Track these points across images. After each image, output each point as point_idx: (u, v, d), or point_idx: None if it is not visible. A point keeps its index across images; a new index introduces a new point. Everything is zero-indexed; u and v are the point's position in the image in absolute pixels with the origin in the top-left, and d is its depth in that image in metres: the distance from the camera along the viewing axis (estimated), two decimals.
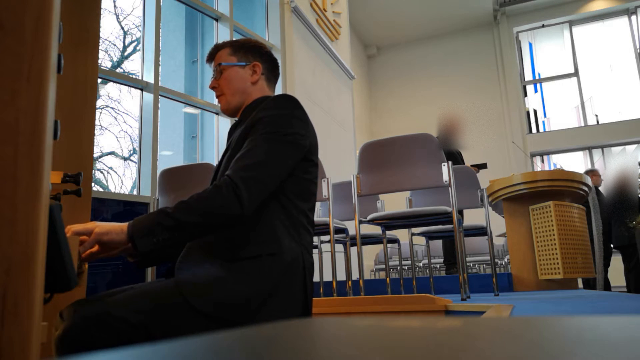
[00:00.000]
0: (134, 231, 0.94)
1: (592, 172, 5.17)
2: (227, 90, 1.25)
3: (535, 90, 10.37)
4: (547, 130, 10.01)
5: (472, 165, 4.06)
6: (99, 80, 3.01)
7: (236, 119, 1.28)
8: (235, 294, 0.96)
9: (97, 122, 2.27)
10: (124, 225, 0.96)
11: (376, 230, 3.39)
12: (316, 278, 3.84)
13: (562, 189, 3.47)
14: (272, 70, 1.31)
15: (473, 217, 3.78)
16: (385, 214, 2.78)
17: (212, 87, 1.28)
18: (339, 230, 3.05)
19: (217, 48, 1.30)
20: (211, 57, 1.31)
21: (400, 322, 0.27)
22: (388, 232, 3.31)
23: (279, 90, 5.65)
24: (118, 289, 1.06)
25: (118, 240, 0.94)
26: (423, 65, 11.00)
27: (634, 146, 9.25)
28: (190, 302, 0.93)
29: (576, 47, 10.12)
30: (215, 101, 1.40)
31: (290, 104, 1.13)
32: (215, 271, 0.99)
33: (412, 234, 3.42)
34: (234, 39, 1.32)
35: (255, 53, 1.28)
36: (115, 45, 6.43)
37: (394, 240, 3.56)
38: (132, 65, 6.79)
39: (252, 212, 0.99)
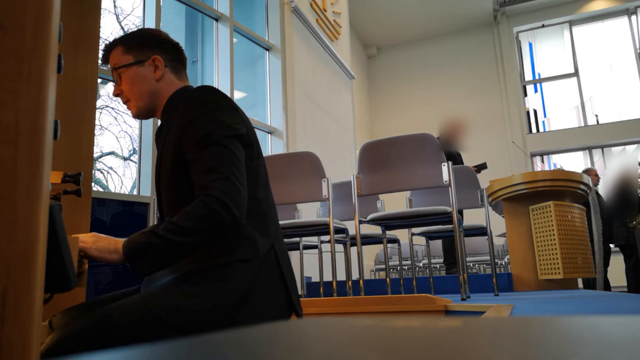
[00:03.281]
0: (130, 252, 0.92)
1: (587, 172, 5.15)
2: (132, 94, 1.12)
3: (535, 90, 10.37)
4: (547, 130, 10.01)
5: (472, 167, 4.06)
6: (99, 80, 3.01)
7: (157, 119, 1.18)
8: (205, 303, 0.93)
9: (97, 122, 2.27)
10: (118, 244, 0.94)
11: (376, 230, 3.39)
12: (316, 278, 3.84)
13: (562, 189, 3.47)
14: (176, 58, 1.17)
15: (473, 217, 3.78)
16: (385, 214, 2.78)
17: (116, 95, 1.14)
18: (339, 230, 3.05)
19: (108, 49, 1.14)
20: (105, 60, 1.15)
21: (400, 322, 0.27)
22: (388, 232, 3.30)
23: (278, 89, 5.66)
24: (104, 296, 1.06)
25: (110, 260, 0.93)
26: (423, 65, 11.00)
27: (634, 146, 9.25)
28: (158, 315, 0.90)
29: (576, 47, 10.11)
30: None
31: (214, 96, 1.04)
32: (180, 281, 0.97)
33: (412, 234, 3.42)
34: (126, 34, 1.15)
35: (151, 45, 1.13)
36: None
37: (394, 240, 3.56)
38: None
39: (244, 219, 0.96)
